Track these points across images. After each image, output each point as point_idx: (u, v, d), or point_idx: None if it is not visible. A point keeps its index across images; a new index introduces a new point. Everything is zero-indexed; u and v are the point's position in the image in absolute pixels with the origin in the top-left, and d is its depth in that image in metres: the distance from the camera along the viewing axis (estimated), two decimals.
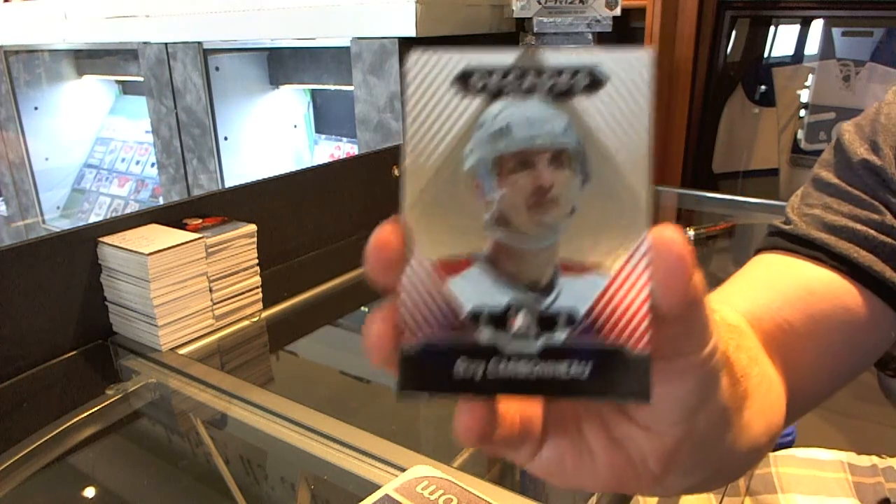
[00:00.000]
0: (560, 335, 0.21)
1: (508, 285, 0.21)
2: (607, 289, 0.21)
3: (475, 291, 0.21)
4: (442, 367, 0.21)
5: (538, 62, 0.21)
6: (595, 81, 0.21)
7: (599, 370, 0.21)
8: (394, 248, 0.22)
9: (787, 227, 0.47)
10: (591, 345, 0.21)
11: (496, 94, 0.21)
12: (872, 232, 0.43)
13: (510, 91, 0.21)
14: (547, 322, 0.21)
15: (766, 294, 0.43)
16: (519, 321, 0.21)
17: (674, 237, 0.20)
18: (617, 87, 0.21)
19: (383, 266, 0.22)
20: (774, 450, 0.69)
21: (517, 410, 0.24)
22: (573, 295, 0.21)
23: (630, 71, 0.21)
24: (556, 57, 0.21)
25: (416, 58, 0.22)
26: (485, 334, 0.21)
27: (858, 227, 0.44)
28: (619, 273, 0.21)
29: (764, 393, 0.36)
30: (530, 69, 0.21)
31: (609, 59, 0.21)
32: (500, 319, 0.21)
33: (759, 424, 0.34)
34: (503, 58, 0.21)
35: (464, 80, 0.21)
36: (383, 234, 0.22)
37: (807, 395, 0.42)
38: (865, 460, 0.68)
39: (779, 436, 0.38)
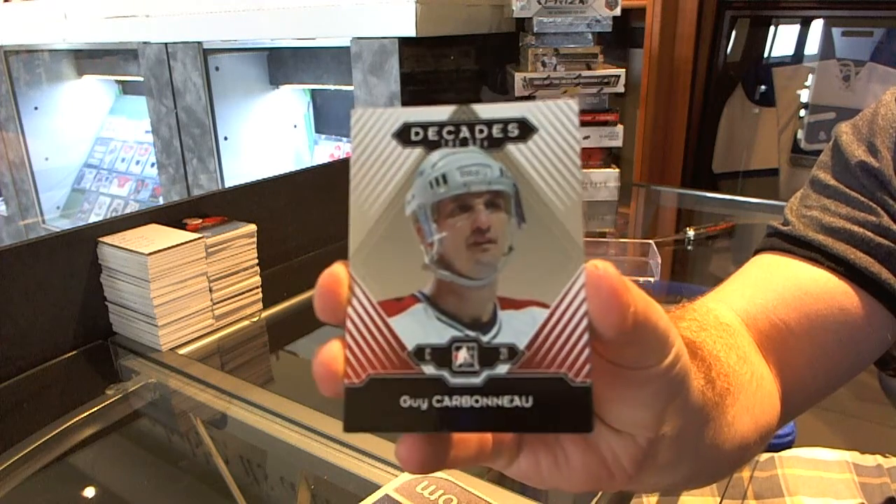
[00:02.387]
0: (502, 368, 0.22)
1: (451, 322, 0.22)
2: (546, 322, 0.22)
3: (418, 329, 0.22)
4: (387, 403, 0.22)
5: (472, 116, 0.23)
6: (525, 131, 0.22)
7: (542, 401, 0.21)
8: (339, 290, 0.23)
9: (785, 228, 0.47)
10: (532, 376, 0.21)
11: (434, 146, 0.23)
12: (869, 234, 0.44)
13: (447, 142, 0.23)
14: (489, 356, 0.22)
15: (762, 294, 0.43)
16: (462, 356, 0.22)
17: (607, 270, 0.21)
18: (546, 135, 0.22)
19: (330, 308, 0.23)
20: (776, 450, 0.68)
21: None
22: (513, 329, 0.22)
23: (558, 119, 0.22)
24: (488, 110, 0.23)
25: (359, 114, 0.23)
26: (428, 370, 0.22)
27: (856, 228, 0.44)
28: (557, 307, 0.22)
29: (754, 391, 0.36)
30: (464, 122, 0.23)
31: (536, 110, 0.23)
32: (443, 355, 0.22)
33: (747, 422, 0.35)
34: (439, 112, 0.23)
35: (403, 133, 0.23)
36: (329, 279, 0.23)
37: (803, 393, 0.43)
38: (870, 460, 0.68)
39: (772, 434, 0.39)
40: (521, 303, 0.22)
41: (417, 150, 0.23)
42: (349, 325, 0.22)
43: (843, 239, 0.44)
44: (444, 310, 0.22)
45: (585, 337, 0.21)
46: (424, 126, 0.23)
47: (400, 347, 0.22)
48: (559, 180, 0.22)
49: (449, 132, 0.23)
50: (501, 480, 0.55)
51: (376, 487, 0.47)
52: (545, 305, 0.22)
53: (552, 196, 0.22)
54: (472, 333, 0.22)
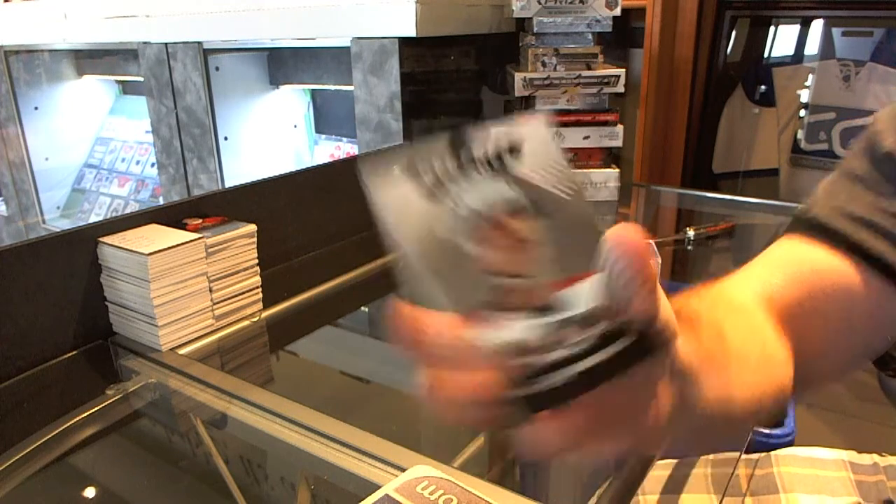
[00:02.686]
0: (594, 330, 0.25)
1: (528, 317, 0.25)
2: (603, 285, 0.25)
3: (518, 330, 0.25)
4: (528, 397, 0.25)
5: (469, 153, 0.26)
6: (514, 146, 0.26)
7: (631, 342, 0.25)
8: (415, 326, 0.25)
9: (808, 213, 0.49)
10: (613, 327, 0.25)
11: (452, 189, 0.26)
12: (892, 222, 0.45)
13: (461, 183, 0.26)
14: (575, 329, 0.25)
15: (779, 276, 0.47)
16: (567, 334, 0.25)
17: (625, 231, 0.24)
18: (531, 143, 0.26)
19: (413, 341, 0.26)
20: (775, 449, 0.69)
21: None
22: (583, 299, 0.25)
23: (535, 129, 0.26)
24: (479, 144, 0.26)
25: (379, 183, 0.27)
26: (549, 357, 0.24)
27: (877, 217, 0.45)
28: (595, 271, 0.25)
29: (763, 362, 0.41)
30: (467, 162, 0.26)
31: (518, 127, 0.26)
32: (543, 342, 0.25)
33: (748, 390, 0.39)
34: (446, 161, 0.26)
35: (424, 188, 0.26)
36: (405, 319, 0.26)
37: (816, 369, 0.46)
38: (867, 458, 0.68)
39: (780, 402, 0.43)
40: (574, 278, 0.25)
41: (441, 198, 0.26)
42: (441, 353, 0.25)
43: (864, 226, 0.46)
44: (513, 309, 0.25)
45: (633, 284, 0.24)
46: (440, 176, 0.26)
47: (512, 352, 0.25)
48: (557, 174, 0.26)
49: (460, 175, 0.26)
50: (501, 480, 0.55)
51: (376, 487, 0.47)
52: (588, 274, 0.25)
53: (558, 188, 0.26)
54: (551, 318, 0.25)
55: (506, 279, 0.25)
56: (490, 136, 0.26)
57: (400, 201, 0.26)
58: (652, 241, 0.35)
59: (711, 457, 0.67)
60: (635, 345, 0.25)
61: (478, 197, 0.25)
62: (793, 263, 0.47)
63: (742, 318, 0.42)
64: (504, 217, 0.25)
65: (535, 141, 0.26)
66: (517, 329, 0.24)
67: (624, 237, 0.24)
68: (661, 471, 0.58)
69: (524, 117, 0.26)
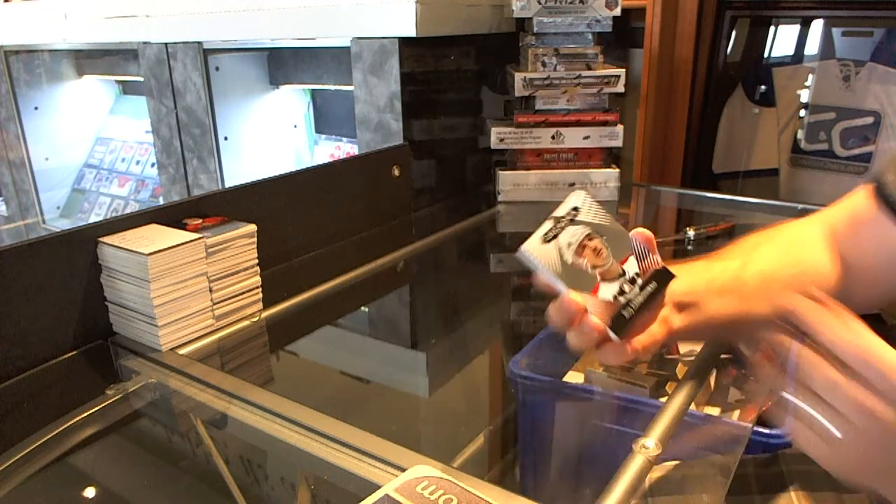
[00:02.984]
0: (638, 280, 0.51)
1: (613, 281, 0.51)
2: (637, 259, 0.52)
3: (608, 292, 0.50)
4: (620, 321, 0.50)
5: (562, 219, 0.52)
6: (575, 210, 0.53)
7: (657, 280, 0.51)
8: (571, 308, 0.50)
9: (882, 180, 0.61)
10: (648, 276, 0.51)
11: (558, 233, 0.51)
12: None
13: (559, 230, 0.52)
14: (633, 280, 0.51)
15: (846, 216, 0.65)
16: (627, 288, 0.51)
17: (640, 231, 0.53)
18: (583, 208, 0.53)
19: (568, 320, 0.50)
20: (775, 449, 0.68)
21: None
22: (632, 269, 0.51)
23: (583, 199, 0.53)
24: (560, 210, 0.53)
25: (529, 249, 0.51)
26: (623, 300, 0.50)
27: None
28: (635, 252, 0.52)
29: (794, 278, 0.61)
30: (560, 219, 0.52)
31: (575, 200, 0.53)
32: (620, 293, 0.50)
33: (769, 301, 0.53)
34: (560, 221, 0.52)
35: (546, 238, 0.51)
36: (565, 305, 0.50)
37: (858, 292, 0.63)
38: None
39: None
40: (624, 259, 0.52)
41: (552, 242, 0.51)
42: (590, 306, 0.50)
43: None
44: (608, 280, 0.51)
45: (650, 255, 0.52)
46: (550, 232, 0.52)
47: (608, 300, 0.50)
48: (602, 217, 0.53)
49: (558, 227, 0.52)
50: (502, 480, 0.55)
51: (376, 487, 0.47)
52: (630, 256, 0.52)
53: (603, 221, 0.53)
54: (623, 280, 0.51)
55: (597, 269, 0.51)
56: (564, 207, 0.53)
57: (539, 250, 0.51)
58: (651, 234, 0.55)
59: (716, 456, 0.67)
60: (655, 285, 0.51)
61: (570, 235, 0.51)
62: (860, 212, 0.63)
63: (778, 247, 0.65)
64: (587, 240, 0.52)
65: (582, 200, 0.53)
66: (609, 289, 0.50)
67: (637, 233, 0.53)
68: (664, 471, 0.58)
69: (572, 193, 0.54)
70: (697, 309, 0.56)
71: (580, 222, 0.51)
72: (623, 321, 0.49)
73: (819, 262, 0.65)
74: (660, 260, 0.52)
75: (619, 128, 1.30)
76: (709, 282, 0.58)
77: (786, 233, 0.69)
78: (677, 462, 0.59)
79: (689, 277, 0.57)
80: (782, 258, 0.66)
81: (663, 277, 0.51)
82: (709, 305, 0.57)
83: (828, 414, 0.44)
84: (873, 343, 0.43)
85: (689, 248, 1.11)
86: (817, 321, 0.45)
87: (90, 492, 0.60)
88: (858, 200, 0.64)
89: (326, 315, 0.94)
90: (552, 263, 0.49)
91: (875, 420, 0.42)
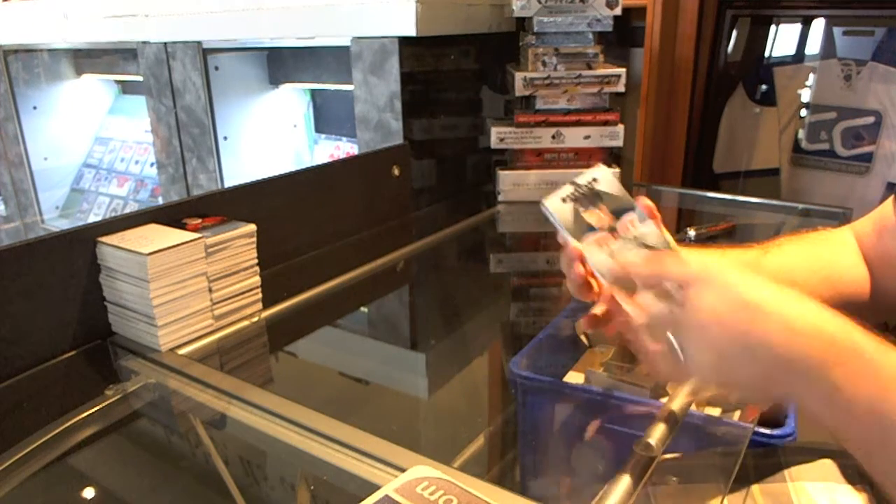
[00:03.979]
0: (637, 242, 0.56)
1: (615, 241, 0.57)
2: (639, 226, 0.58)
3: (619, 244, 0.57)
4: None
5: (581, 186, 0.60)
6: (594, 180, 0.60)
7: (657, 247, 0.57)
8: (571, 255, 0.58)
9: None
10: (644, 236, 0.57)
11: (579, 199, 0.59)
12: None
13: (583, 194, 0.60)
14: (632, 242, 0.57)
15: (869, 227, 0.70)
16: (629, 246, 0.56)
17: (646, 202, 0.59)
18: (601, 179, 0.60)
19: (568, 267, 0.58)
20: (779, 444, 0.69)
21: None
22: (636, 227, 0.57)
23: (603, 172, 0.61)
24: (582, 179, 0.60)
25: (548, 205, 0.58)
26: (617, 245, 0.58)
27: None
28: (636, 221, 0.58)
29: (812, 275, 0.66)
30: (585, 185, 0.60)
31: (593, 171, 0.61)
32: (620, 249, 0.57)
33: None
34: (580, 187, 0.60)
35: (564, 199, 0.59)
36: (568, 252, 0.58)
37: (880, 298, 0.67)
38: None
39: (844, 307, 0.57)
40: (629, 219, 0.58)
41: (568, 203, 0.58)
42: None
43: None
44: (612, 238, 0.57)
45: (654, 223, 0.57)
46: (570, 194, 0.59)
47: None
48: (617, 189, 0.59)
49: (577, 191, 0.59)
50: (501, 480, 0.55)
51: (376, 487, 0.47)
52: (636, 220, 0.58)
53: (617, 193, 0.59)
54: (621, 239, 0.57)
55: (602, 230, 0.57)
56: (585, 176, 0.59)
57: (556, 206, 0.58)
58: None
59: (719, 449, 0.67)
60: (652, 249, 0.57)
61: (585, 199, 0.58)
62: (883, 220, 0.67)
63: (804, 246, 0.68)
64: (599, 205, 0.58)
65: (602, 172, 0.60)
66: (619, 244, 0.56)
67: (644, 204, 0.58)
68: (678, 469, 0.58)
69: (595, 165, 0.61)
70: None
71: (596, 190, 0.58)
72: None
73: (850, 265, 0.68)
74: (663, 229, 0.57)
75: (620, 127, 1.30)
76: (722, 255, 0.61)
77: (814, 236, 0.72)
78: (680, 454, 0.59)
79: (702, 256, 0.58)
80: (808, 257, 0.68)
81: (670, 247, 0.57)
82: None
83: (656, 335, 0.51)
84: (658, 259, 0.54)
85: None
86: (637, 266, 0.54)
87: (90, 492, 0.60)
88: (884, 209, 0.67)
89: (326, 315, 0.94)
90: (565, 219, 0.57)
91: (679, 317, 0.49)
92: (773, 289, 0.48)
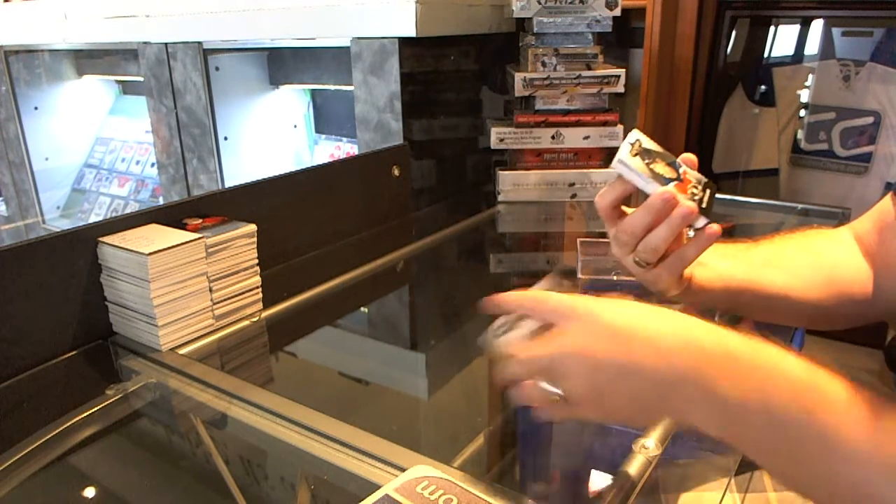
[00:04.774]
0: (700, 186, 0.65)
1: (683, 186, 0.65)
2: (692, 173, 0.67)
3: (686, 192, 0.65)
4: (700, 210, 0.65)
5: (637, 144, 0.67)
6: (638, 141, 0.66)
7: (712, 187, 0.66)
8: (668, 199, 0.62)
9: None
10: (701, 182, 0.66)
11: (640, 151, 0.66)
12: None
13: (643, 149, 0.67)
14: (697, 186, 0.65)
15: (869, 225, 0.71)
16: (696, 190, 0.65)
17: (687, 154, 0.67)
18: (642, 139, 0.67)
19: (660, 213, 0.62)
20: None
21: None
22: (693, 178, 0.65)
23: (639, 134, 0.67)
24: (631, 138, 0.67)
25: (625, 159, 0.65)
26: (696, 198, 0.65)
27: None
28: (687, 170, 0.67)
29: (813, 272, 0.69)
30: (636, 144, 0.67)
31: (636, 134, 0.67)
32: (693, 194, 0.65)
33: (782, 285, 0.68)
34: (633, 146, 0.67)
35: (633, 153, 0.66)
36: (663, 197, 0.62)
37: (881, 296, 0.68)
38: None
39: (846, 308, 0.68)
40: (684, 172, 0.65)
41: (638, 156, 0.65)
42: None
43: None
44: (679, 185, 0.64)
45: (697, 172, 0.66)
46: (632, 150, 0.65)
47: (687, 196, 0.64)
48: (656, 146, 0.65)
49: (635, 148, 0.65)
50: (502, 480, 0.55)
51: (376, 487, 0.47)
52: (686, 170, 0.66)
53: (661, 150, 0.66)
54: (689, 185, 0.65)
55: (672, 178, 0.64)
56: (629, 139, 0.65)
57: (632, 161, 0.64)
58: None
59: (718, 458, 0.67)
60: (712, 189, 0.65)
61: (650, 153, 0.65)
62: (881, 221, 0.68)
63: (800, 242, 0.71)
64: (656, 160, 0.64)
65: (639, 134, 0.65)
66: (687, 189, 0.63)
67: (684, 157, 0.65)
68: (678, 469, 0.58)
69: (633, 130, 0.66)
70: (705, 266, 0.67)
71: (646, 147, 0.64)
72: (702, 210, 0.63)
73: (848, 263, 0.69)
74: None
75: (619, 128, 1.30)
76: (713, 248, 0.65)
77: (812, 233, 0.74)
78: (693, 460, 0.59)
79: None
80: (806, 253, 0.70)
81: (713, 184, 0.66)
82: (717, 265, 0.68)
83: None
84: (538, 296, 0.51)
85: None
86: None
87: (90, 492, 0.60)
88: (883, 206, 0.67)
89: (326, 315, 0.94)
90: (644, 170, 0.63)
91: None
92: (640, 311, 0.47)
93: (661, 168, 0.64)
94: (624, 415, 0.47)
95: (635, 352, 0.45)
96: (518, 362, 0.49)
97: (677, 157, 0.65)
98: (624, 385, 0.45)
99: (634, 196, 0.65)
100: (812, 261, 0.69)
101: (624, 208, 0.66)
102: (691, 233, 0.64)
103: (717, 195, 0.66)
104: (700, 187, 0.64)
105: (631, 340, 0.45)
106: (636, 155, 0.64)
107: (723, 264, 0.68)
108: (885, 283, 0.67)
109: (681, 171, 0.65)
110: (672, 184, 0.63)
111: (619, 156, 0.64)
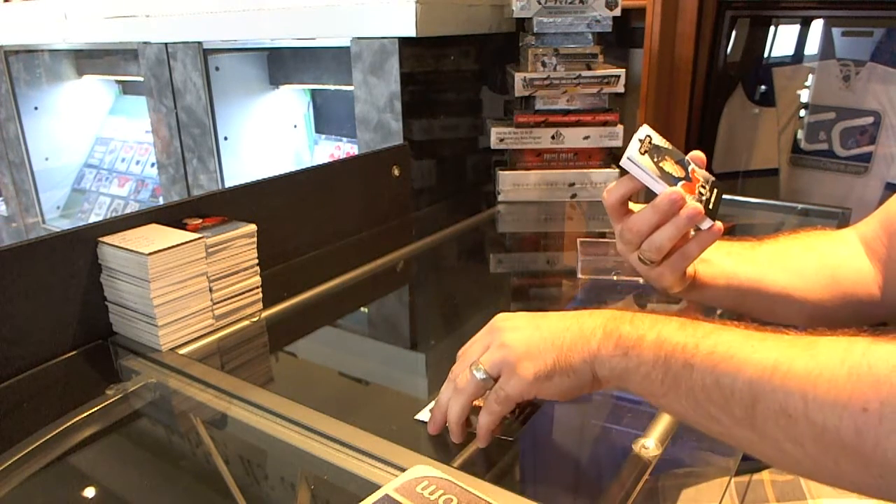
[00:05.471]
0: (708, 185, 0.66)
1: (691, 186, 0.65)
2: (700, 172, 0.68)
3: (693, 192, 0.64)
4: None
5: (648, 140, 0.66)
6: (648, 136, 0.66)
7: (720, 187, 0.66)
8: (676, 199, 0.62)
9: None
10: (712, 181, 0.67)
11: (649, 149, 0.65)
12: None
13: (652, 146, 0.66)
14: (704, 186, 0.66)
15: (875, 226, 0.70)
16: (703, 189, 0.66)
17: (696, 152, 0.68)
18: (652, 136, 0.66)
19: (667, 212, 0.63)
20: None
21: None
22: (701, 177, 0.66)
23: (648, 130, 0.66)
24: (641, 134, 0.65)
25: (634, 157, 0.64)
26: (703, 198, 0.65)
27: None
28: (696, 169, 0.67)
29: (814, 273, 0.69)
30: (646, 141, 0.65)
31: (643, 129, 0.67)
32: (700, 193, 0.65)
33: (784, 286, 0.68)
34: (643, 143, 0.66)
35: (641, 151, 0.65)
36: (670, 198, 0.62)
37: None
38: None
39: (849, 309, 0.68)
40: (693, 171, 0.66)
41: (647, 154, 0.64)
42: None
43: None
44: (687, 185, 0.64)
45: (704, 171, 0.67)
46: (641, 148, 0.64)
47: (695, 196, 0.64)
48: (666, 143, 0.66)
49: (644, 145, 0.64)
50: (502, 480, 0.55)
51: (376, 487, 0.47)
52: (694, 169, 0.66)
53: (670, 147, 0.65)
54: (697, 184, 0.64)
55: (681, 178, 0.63)
56: (639, 135, 0.64)
57: (640, 159, 0.63)
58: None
59: (718, 458, 0.67)
60: (719, 189, 0.65)
61: (657, 154, 0.64)
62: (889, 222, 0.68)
63: (806, 247, 0.71)
64: (666, 157, 0.64)
65: (648, 130, 0.65)
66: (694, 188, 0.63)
67: (693, 155, 0.66)
68: (679, 479, 0.58)
69: (642, 126, 0.65)
70: (709, 263, 0.68)
71: (656, 144, 0.64)
72: (708, 211, 0.62)
73: (853, 265, 0.68)
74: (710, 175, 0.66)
75: (619, 128, 1.30)
76: (717, 246, 0.67)
77: (815, 234, 0.74)
78: (695, 469, 0.59)
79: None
80: (811, 253, 0.70)
81: (721, 184, 0.66)
82: (721, 263, 0.69)
83: None
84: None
85: None
86: None
87: (90, 492, 0.60)
88: (890, 207, 0.67)
89: (326, 315, 0.94)
90: (652, 168, 0.62)
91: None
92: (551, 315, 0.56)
93: (669, 166, 0.63)
94: (550, 362, 0.52)
95: (549, 316, 0.55)
96: (459, 362, 0.58)
97: (686, 153, 0.65)
98: (546, 328, 0.54)
99: (643, 191, 0.65)
100: (816, 261, 0.69)
101: (631, 205, 0.66)
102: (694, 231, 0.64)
103: None
104: (708, 187, 0.64)
105: (545, 316, 0.56)
106: (645, 153, 0.63)
107: (726, 262, 0.69)
108: (892, 282, 0.67)
109: (689, 169, 0.64)
110: (680, 183, 0.63)
111: (628, 153, 0.63)
